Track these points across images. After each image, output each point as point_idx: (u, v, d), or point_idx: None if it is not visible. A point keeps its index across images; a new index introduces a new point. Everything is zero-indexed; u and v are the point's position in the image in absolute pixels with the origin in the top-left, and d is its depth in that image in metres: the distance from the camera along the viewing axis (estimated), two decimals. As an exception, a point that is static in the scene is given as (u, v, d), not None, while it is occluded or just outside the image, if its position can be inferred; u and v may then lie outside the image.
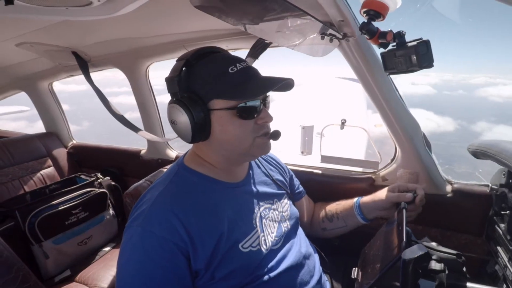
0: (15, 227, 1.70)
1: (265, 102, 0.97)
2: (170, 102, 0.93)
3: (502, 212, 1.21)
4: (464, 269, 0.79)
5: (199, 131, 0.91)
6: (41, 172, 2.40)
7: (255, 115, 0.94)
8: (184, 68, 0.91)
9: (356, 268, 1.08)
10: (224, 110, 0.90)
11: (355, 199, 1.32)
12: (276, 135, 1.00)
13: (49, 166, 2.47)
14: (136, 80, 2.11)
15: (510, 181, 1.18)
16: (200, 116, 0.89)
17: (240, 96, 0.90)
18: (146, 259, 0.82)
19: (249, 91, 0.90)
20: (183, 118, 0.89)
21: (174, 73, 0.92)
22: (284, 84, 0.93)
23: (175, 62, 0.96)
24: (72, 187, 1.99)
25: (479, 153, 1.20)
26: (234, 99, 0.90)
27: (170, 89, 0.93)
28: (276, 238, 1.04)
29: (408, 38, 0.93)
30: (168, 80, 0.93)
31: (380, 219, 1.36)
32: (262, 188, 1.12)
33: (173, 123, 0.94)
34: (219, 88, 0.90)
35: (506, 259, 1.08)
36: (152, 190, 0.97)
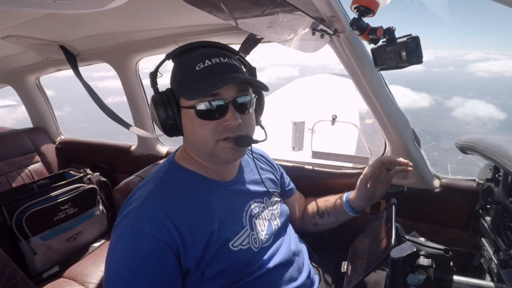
0: (1, 223, 1.68)
1: (235, 103, 0.91)
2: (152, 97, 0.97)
3: (488, 206, 1.23)
4: (451, 263, 0.80)
5: (170, 128, 0.95)
6: (29, 167, 2.36)
7: (217, 116, 0.90)
8: (163, 63, 0.97)
9: (346, 262, 1.09)
10: (186, 108, 0.92)
11: (344, 195, 1.32)
12: (241, 141, 0.93)
13: (36, 162, 2.44)
14: (126, 75, 2.09)
15: (496, 175, 1.21)
16: (169, 113, 0.92)
17: (185, 95, 0.90)
18: (135, 258, 0.82)
19: (192, 89, 0.88)
20: (152, 111, 0.95)
21: (155, 69, 0.96)
22: (256, 84, 0.94)
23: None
24: (60, 183, 1.96)
25: (466, 148, 1.22)
26: (184, 97, 0.91)
27: (151, 84, 0.97)
28: (267, 236, 1.05)
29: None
30: (150, 75, 0.97)
31: (369, 214, 1.38)
32: (253, 187, 1.12)
33: (149, 116, 0.98)
34: (180, 86, 0.92)
35: (491, 252, 1.11)
36: (142, 187, 0.96)
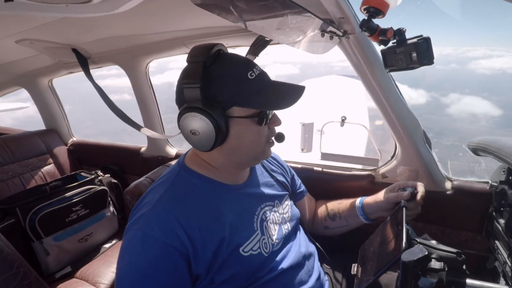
0: (15, 224, 1.70)
1: None
2: (187, 111, 0.86)
3: (501, 208, 1.21)
4: (464, 266, 0.79)
5: (220, 139, 0.88)
6: (42, 169, 2.40)
7: (269, 120, 0.95)
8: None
9: (356, 264, 1.08)
10: (244, 118, 0.89)
11: (358, 200, 1.31)
12: (281, 137, 1.02)
13: (49, 163, 2.48)
14: (136, 77, 2.11)
15: (510, 178, 1.19)
16: (222, 124, 0.86)
17: (267, 106, 0.90)
18: (146, 263, 0.82)
19: (273, 101, 0.90)
20: (207, 128, 0.84)
21: (193, 78, 0.84)
22: None
23: (186, 62, 0.91)
24: (72, 185, 1.99)
25: (479, 150, 1.21)
26: (259, 108, 0.90)
27: (191, 96, 0.85)
28: (277, 241, 1.04)
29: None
30: (187, 85, 0.85)
31: (381, 217, 1.36)
32: (264, 190, 1.11)
33: (193, 133, 0.87)
34: (241, 96, 0.88)
35: (505, 255, 1.09)
36: (152, 192, 0.95)
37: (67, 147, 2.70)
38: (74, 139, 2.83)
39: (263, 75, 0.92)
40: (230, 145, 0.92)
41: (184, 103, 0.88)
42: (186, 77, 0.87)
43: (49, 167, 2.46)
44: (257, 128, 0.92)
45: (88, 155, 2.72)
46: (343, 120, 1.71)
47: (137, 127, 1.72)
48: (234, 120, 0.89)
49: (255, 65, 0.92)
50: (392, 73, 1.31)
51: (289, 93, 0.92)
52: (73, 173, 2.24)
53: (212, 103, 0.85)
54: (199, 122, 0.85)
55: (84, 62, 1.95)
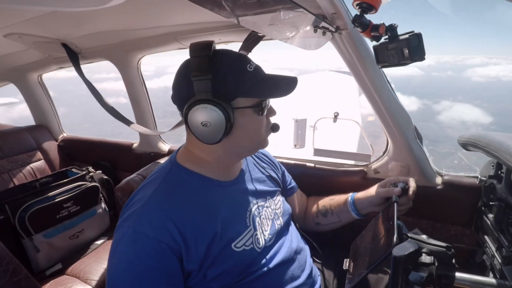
0: (5, 221, 1.68)
1: None
2: (198, 103, 0.86)
3: (490, 203, 1.23)
4: (454, 260, 0.80)
5: (227, 130, 0.89)
6: (31, 165, 2.37)
7: (268, 110, 0.99)
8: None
9: (348, 259, 1.09)
10: (248, 108, 0.92)
11: (349, 195, 1.32)
12: (276, 127, 1.04)
13: (39, 159, 2.45)
14: (128, 73, 2.09)
15: (499, 172, 1.20)
16: (231, 114, 0.88)
17: (268, 95, 0.95)
18: (137, 260, 0.81)
19: (273, 90, 0.94)
20: (219, 119, 0.86)
21: (202, 70, 0.86)
22: None
23: (187, 56, 0.93)
24: (63, 181, 1.97)
25: (468, 145, 1.22)
26: (262, 97, 0.94)
27: (200, 88, 0.86)
28: (270, 236, 1.04)
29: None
30: (197, 78, 0.86)
31: (372, 212, 1.38)
32: (256, 186, 1.12)
33: (204, 125, 0.87)
34: (244, 87, 0.90)
35: (493, 249, 1.11)
36: (143, 188, 0.95)
37: (57, 143, 2.67)
38: (65, 134, 2.79)
39: (259, 68, 0.95)
40: (235, 136, 0.93)
41: (186, 98, 0.89)
42: (194, 69, 0.87)
43: (39, 163, 2.43)
44: (259, 118, 0.95)
45: (79, 151, 2.70)
46: (335, 116, 1.71)
47: (128, 122, 1.71)
48: (238, 110, 0.91)
49: (250, 59, 0.95)
50: (385, 69, 1.32)
51: (284, 83, 0.95)
52: (64, 169, 2.21)
53: (219, 95, 0.87)
54: (210, 113, 0.86)
55: (74, 57, 1.92)
